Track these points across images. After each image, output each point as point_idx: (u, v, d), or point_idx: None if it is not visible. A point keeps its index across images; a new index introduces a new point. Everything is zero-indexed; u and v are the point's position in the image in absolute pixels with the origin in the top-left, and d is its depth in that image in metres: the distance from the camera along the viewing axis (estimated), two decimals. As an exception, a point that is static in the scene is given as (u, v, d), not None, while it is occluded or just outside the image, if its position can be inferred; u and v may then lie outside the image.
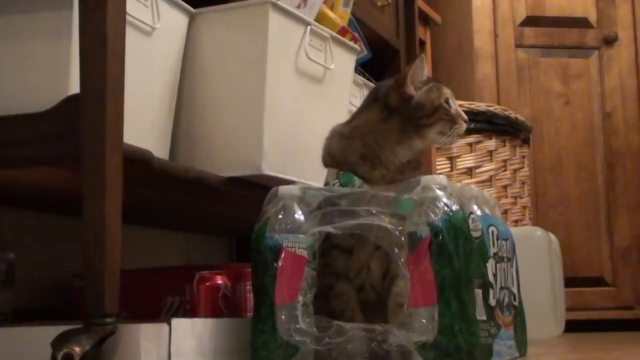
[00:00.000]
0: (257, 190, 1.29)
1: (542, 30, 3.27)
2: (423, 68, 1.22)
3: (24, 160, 1.06)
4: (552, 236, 2.14)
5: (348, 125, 1.25)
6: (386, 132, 1.20)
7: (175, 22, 1.31)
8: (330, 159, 1.24)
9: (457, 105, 1.23)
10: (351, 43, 1.59)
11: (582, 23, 3.30)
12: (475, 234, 1.10)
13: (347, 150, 1.21)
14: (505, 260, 1.23)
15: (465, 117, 1.23)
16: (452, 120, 1.21)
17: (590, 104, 3.25)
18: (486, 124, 2.52)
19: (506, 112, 2.57)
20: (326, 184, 1.21)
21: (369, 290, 1.19)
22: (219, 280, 1.36)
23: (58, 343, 0.91)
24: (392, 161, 1.20)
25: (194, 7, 1.36)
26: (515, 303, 1.26)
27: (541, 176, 3.18)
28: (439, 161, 2.49)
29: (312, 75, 1.45)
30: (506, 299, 1.20)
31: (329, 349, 1.05)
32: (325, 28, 1.48)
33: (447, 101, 1.21)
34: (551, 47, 3.27)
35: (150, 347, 0.96)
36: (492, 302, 1.13)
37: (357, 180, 1.17)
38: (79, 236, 0.95)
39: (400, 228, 1.05)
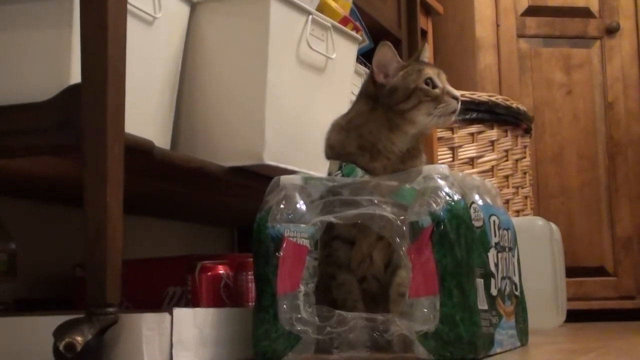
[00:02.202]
0: (258, 180, 1.29)
1: (544, 20, 3.26)
2: (392, 54, 1.20)
3: (25, 150, 1.06)
4: (553, 226, 2.14)
5: (345, 117, 1.25)
6: (376, 121, 1.20)
7: (176, 11, 1.31)
8: (331, 150, 1.24)
9: (446, 84, 1.20)
10: (353, 33, 1.59)
11: (584, 13, 3.29)
12: (476, 224, 1.09)
13: (346, 142, 1.21)
14: (507, 249, 1.23)
15: (455, 94, 1.19)
16: (436, 99, 1.18)
17: (592, 94, 3.24)
18: (488, 114, 2.51)
19: (508, 102, 2.56)
20: (329, 174, 1.21)
21: (371, 280, 1.19)
22: (221, 270, 1.36)
23: (60, 333, 0.91)
24: (392, 150, 1.20)
25: (195, -3, 1.35)
26: (517, 293, 1.26)
27: (543, 166, 3.17)
28: (440, 151, 2.48)
29: (313, 64, 1.45)
30: (507, 289, 1.20)
31: (330, 339, 1.05)
32: (326, 17, 1.48)
33: (428, 82, 1.18)
34: (553, 37, 3.26)
35: (152, 337, 0.96)
36: (494, 291, 1.13)
37: (360, 171, 1.17)
38: (81, 226, 0.95)
39: (401, 218, 1.05)
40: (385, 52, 1.21)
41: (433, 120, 1.18)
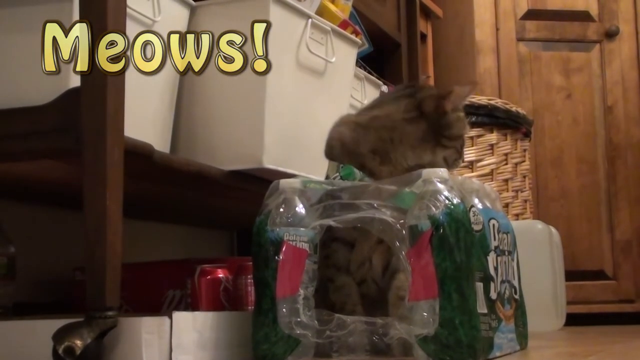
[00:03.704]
0: (258, 183, 1.29)
1: (543, 24, 3.26)
2: (470, 97, 1.27)
3: (25, 153, 1.06)
4: (553, 229, 2.14)
5: (366, 114, 1.24)
6: (405, 132, 1.19)
7: (176, 14, 1.31)
8: (341, 145, 1.22)
9: None
10: (352, 36, 1.59)
11: (583, 16, 3.29)
12: (476, 227, 1.09)
13: (360, 141, 1.20)
14: (506, 253, 1.23)
15: (463, 157, 1.29)
16: (458, 153, 1.24)
17: (591, 98, 3.24)
18: (487, 118, 2.51)
19: (507, 106, 2.56)
20: (327, 177, 1.21)
21: (370, 283, 1.19)
22: (220, 273, 1.36)
23: (59, 336, 0.91)
24: (401, 163, 1.19)
25: (194, 0, 1.35)
26: (516, 296, 1.26)
27: (542, 170, 3.17)
28: (440, 155, 2.48)
29: (313, 68, 1.45)
30: (507, 292, 1.20)
31: (330, 342, 1.05)
32: (326, 21, 1.48)
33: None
34: (552, 40, 3.26)
35: (151, 341, 0.96)
36: (493, 295, 1.13)
37: (357, 174, 1.17)
38: (80, 229, 0.95)
39: (401, 221, 1.05)
40: (471, 94, 1.32)
41: (443, 165, 1.21)
